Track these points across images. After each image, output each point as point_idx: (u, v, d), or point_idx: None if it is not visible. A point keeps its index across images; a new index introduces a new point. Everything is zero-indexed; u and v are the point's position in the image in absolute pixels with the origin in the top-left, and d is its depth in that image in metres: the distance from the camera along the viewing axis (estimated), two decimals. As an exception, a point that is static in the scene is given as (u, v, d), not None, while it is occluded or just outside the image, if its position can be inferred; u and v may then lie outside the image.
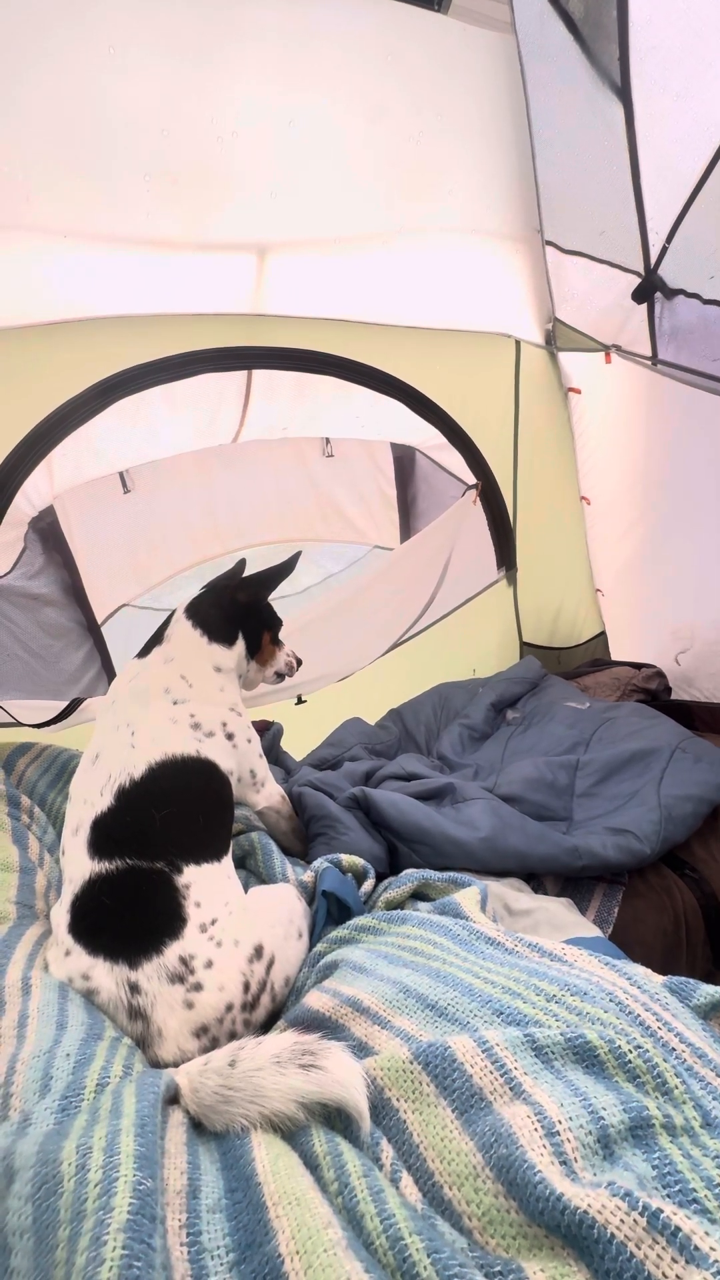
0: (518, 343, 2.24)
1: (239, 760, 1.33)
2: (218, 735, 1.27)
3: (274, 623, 1.52)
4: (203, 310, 1.78)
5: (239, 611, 1.43)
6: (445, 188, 1.76)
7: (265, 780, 1.43)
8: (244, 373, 2.04)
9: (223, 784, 1.24)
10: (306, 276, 1.84)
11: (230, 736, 1.30)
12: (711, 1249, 0.49)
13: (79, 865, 1.03)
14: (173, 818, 1.08)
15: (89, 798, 1.10)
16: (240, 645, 1.42)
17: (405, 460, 2.80)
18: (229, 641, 1.39)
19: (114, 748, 1.15)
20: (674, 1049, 0.70)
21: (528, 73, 1.54)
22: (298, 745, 2.13)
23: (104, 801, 1.08)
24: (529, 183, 1.77)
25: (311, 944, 1.12)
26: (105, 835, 1.05)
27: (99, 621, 2.29)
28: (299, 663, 1.59)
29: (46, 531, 2.10)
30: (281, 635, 1.56)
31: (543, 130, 1.64)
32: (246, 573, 1.48)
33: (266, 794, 1.44)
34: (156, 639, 1.37)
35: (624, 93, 1.36)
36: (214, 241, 1.66)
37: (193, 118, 1.41)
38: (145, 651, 1.36)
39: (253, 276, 1.77)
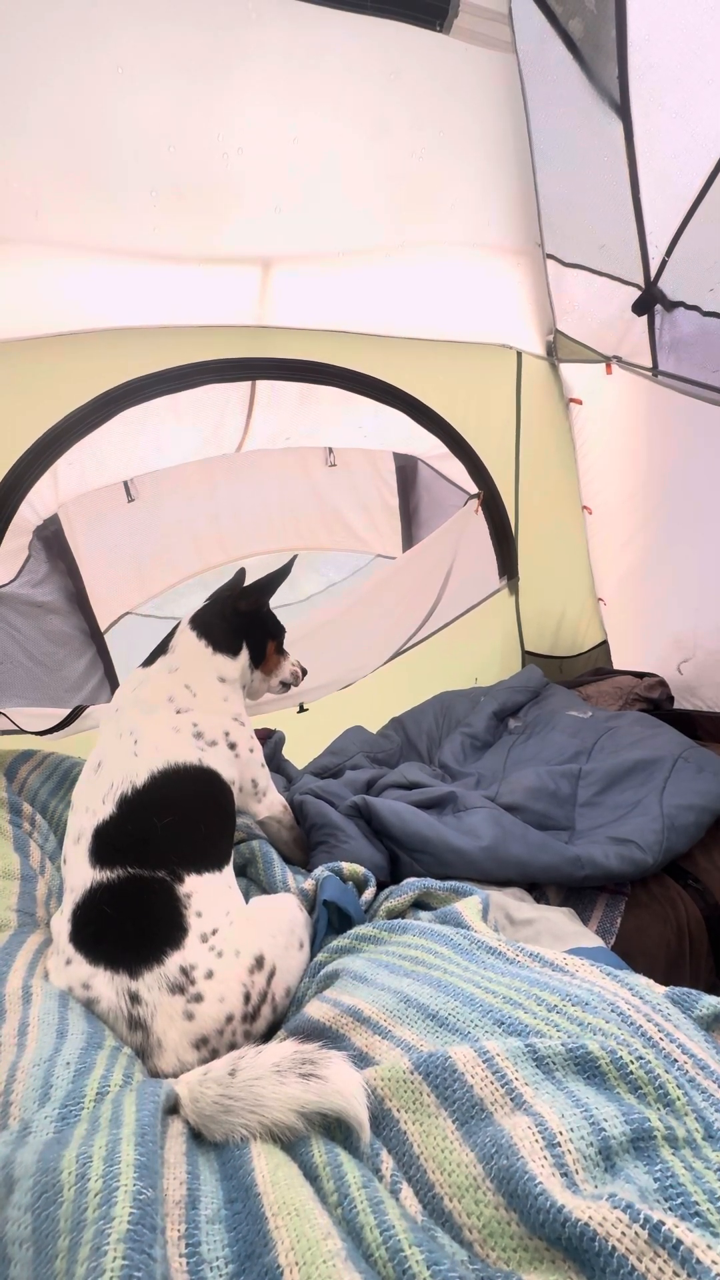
0: (519, 354, 2.26)
1: (241, 770, 1.33)
2: (220, 744, 1.27)
3: (277, 631, 1.53)
4: (207, 322, 1.80)
5: (242, 621, 1.44)
6: (447, 202, 1.78)
7: (267, 790, 1.43)
8: (248, 383, 2.06)
9: (224, 793, 1.25)
10: (310, 289, 1.86)
11: (233, 746, 1.30)
12: (714, 1262, 0.48)
13: (80, 873, 1.03)
14: (174, 826, 1.08)
15: (91, 806, 1.10)
16: (244, 655, 1.43)
17: (407, 470, 2.81)
18: (233, 651, 1.40)
19: (117, 756, 1.16)
20: (676, 1060, 0.70)
21: (528, 91, 1.57)
22: (299, 753, 2.13)
23: (106, 810, 1.08)
24: (530, 197, 1.79)
25: (312, 953, 1.12)
26: (107, 844, 1.05)
27: (102, 629, 2.30)
28: (304, 672, 1.59)
29: (51, 540, 2.11)
30: (286, 644, 1.57)
31: (543, 146, 1.66)
32: (246, 582, 1.49)
33: (268, 803, 1.44)
34: (161, 649, 1.37)
35: (623, 110, 1.38)
36: (219, 255, 1.68)
37: (198, 135, 1.44)
38: (150, 661, 1.36)
39: (257, 289, 1.79)
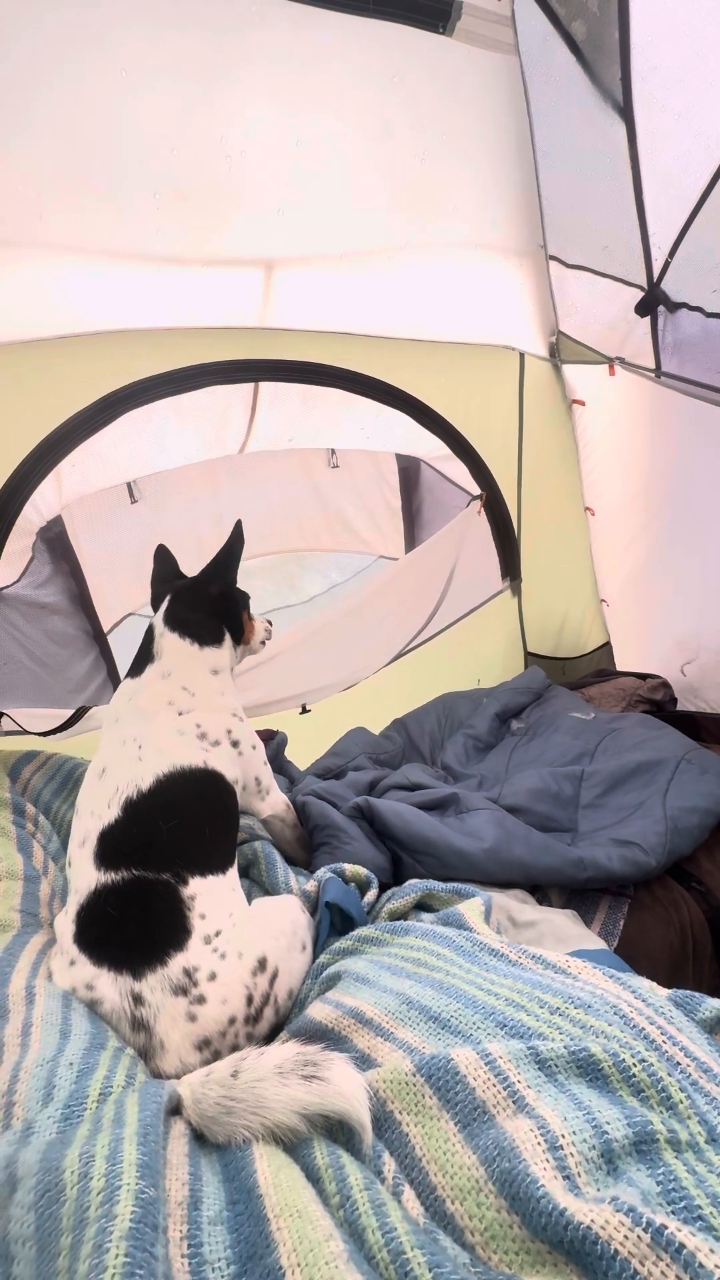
0: (522, 355, 2.26)
1: (244, 768, 1.33)
2: (223, 744, 1.28)
3: (245, 600, 1.52)
4: (210, 324, 1.81)
5: (217, 606, 1.42)
6: (450, 204, 1.78)
7: (270, 788, 1.43)
8: (250, 385, 2.06)
9: (228, 794, 1.25)
10: (313, 291, 1.86)
11: (235, 744, 1.30)
12: (717, 1266, 0.48)
13: (85, 876, 1.04)
14: (179, 829, 1.08)
15: (96, 810, 1.10)
16: (228, 639, 1.42)
17: (410, 471, 2.82)
18: (218, 640, 1.39)
19: (121, 761, 1.16)
20: (679, 1063, 0.70)
21: (531, 92, 1.57)
22: (302, 755, 2.13)
23: (111, 814, 1.09)
24: (532, 199, 1.79)
25: (315, 955, 1.12)
26: (112, 847, 1.05)
27: (105, 630, 2.30)
28: (270, 624, 1.60)
29: (54, 541, 2.12)
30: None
31: (546, 148, 1.66)
32: (174, 560, 1.50)
33: (271, 802, 1.44)
34: (146, 657, 1.34)
35: (626, 112, 1.37)
36: (222, 257, 1.69)
37: (202, 137, 1.44)
38: (138, 671, 1.33)
39: (260, 291, 1.79)
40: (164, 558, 1.52)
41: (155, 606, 1.44)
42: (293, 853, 1.53)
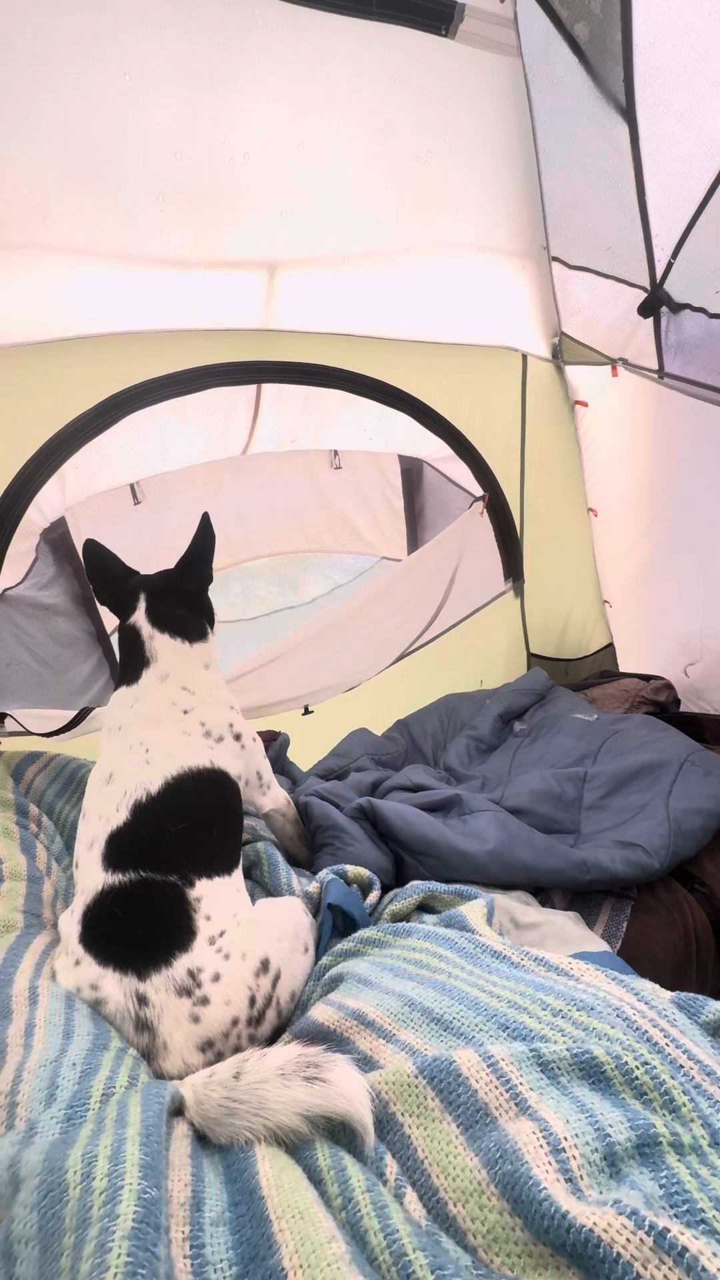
0: (524, 356, 2.26)
1: (246, 762, 1.33)
2: (227, 739, 1.28)
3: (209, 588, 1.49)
4: (214, 326, 1.81)
5: (197, 602, 1.41)
6: (452, 206, 1.78)
7: (271, 782, 1.44)
8: (253, 386, 2.07)
9: (234, 793, 1.25)
10: (316, 293, 1.86)
11: (238, 737, 1.30)
12: None
13: (92, 877, 1.04)
14: (188, 831, 1.08)
15: (104, 814, 1.10)
16: (209, 631, 1.41)
17: (413, 472, 2.81)
18: (204, 635, 1.38)
19: (128, 765, 1.15)
20: (682, 1066, 0.69)
21: (533, 94, 1.57)
22: (304, 756, 2.13)
23: (120, 817, 1.09)
24: (535, 200, 1.79)
25: (317, 956, 1.12)
26: (120, 849, 1.05)
27: (108, 631, 2.31)
28: None
29: (58, 542, 2.12)
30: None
31: (548, 149, 1.66)
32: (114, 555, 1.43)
33: (273, 796, 1.45)
34: (140, 662, 1.30)
35: (629, 113, 1.37)
36: (225, 259, 1.69)
37: (205, 141, 1.45)
38: (134, 678, 1.30)
39: (263, 293, 1.80)
40: (100, 554, 1.41)
41: (117, 607, 1.38)
42: (294, 849, 1.53)
